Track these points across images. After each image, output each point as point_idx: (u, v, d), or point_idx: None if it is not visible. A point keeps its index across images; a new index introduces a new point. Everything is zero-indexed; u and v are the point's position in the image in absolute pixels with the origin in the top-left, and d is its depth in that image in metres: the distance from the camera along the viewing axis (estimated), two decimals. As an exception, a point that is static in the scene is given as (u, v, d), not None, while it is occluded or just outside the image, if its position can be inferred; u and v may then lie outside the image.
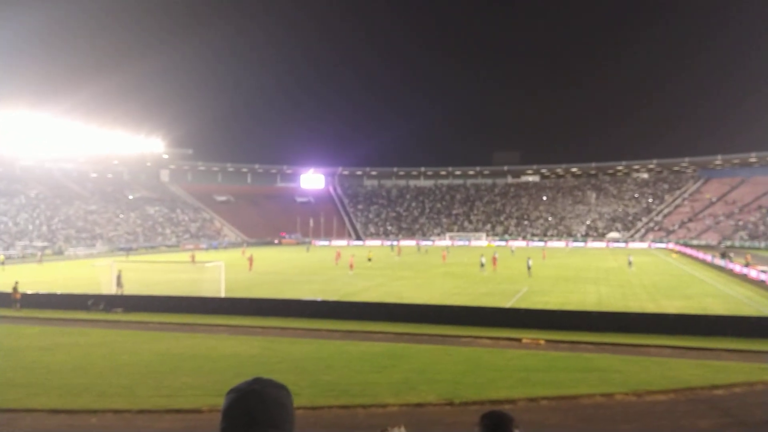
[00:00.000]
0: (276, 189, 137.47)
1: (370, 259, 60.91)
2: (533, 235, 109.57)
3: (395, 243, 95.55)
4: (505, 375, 18.06)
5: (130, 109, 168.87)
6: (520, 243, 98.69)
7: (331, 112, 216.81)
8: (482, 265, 51.42)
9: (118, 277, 34.64)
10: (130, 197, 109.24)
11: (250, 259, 54.11)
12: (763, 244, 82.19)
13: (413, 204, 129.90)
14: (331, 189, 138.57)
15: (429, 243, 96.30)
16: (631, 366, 19.05)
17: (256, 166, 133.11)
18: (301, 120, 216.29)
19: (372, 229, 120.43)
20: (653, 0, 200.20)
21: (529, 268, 47.53)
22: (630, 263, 55.04)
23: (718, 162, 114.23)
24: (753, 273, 43.93)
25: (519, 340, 23.11)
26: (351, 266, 50.51)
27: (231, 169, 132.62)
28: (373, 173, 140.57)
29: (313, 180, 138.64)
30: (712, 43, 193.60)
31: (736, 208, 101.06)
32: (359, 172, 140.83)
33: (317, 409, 14.39)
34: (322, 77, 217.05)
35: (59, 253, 73.83)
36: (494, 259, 53.12)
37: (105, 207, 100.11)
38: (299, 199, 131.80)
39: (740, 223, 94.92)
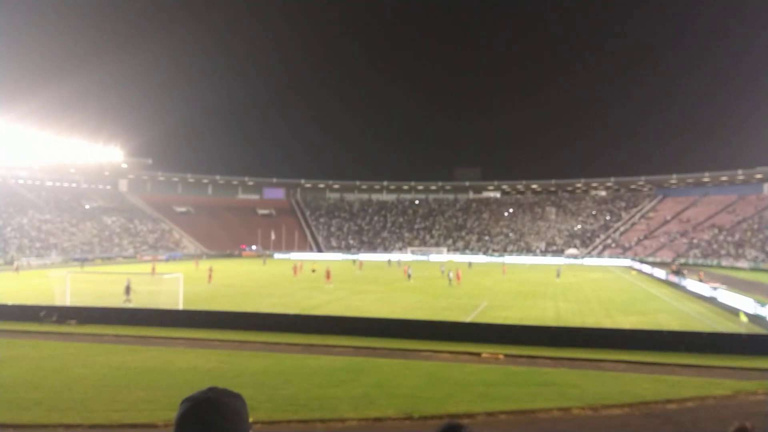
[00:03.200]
0: (237, 201, 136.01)
1: (314, 270, 63.02)
2: (494, 250, 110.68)
3: (357, 257, 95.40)
4: (465, 389, 18.16)
5: (88, 117, 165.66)
6: (480, 258, 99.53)
7: (294, 124, 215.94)
8: (450, 279, 52.25)
9: (127, 287, 34.78)
10: (87, 207, 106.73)
11: (210, 272, 53.38)
12: (715, 262, 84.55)
13: (375, 218, 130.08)
14: (293, 201, 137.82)
15: (400, 257, 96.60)
16: (587, 380, 19.36)
17: (217, 177, 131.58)
18: (263, 132, 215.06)
19: (334, 243, 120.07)
20: (608, 17, 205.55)
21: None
22: (558, 274, 59.34)
23: (673, 181, 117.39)
24: (705, 290, 45.10)
25: (478, 354, 23.27)
26: (328, 277, 50.58)
27: (191, 180, 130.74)
28: (336, 186, 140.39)
29: (275, 192, 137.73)
30: (664, 63, 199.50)
31: (690, 226, 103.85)
32: (322, 185, 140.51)
33: (275, 423, 14.26)
34: (284, 89, 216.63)
35: (10, 263, 71.66)
36: (458, 274, 53.68)
37: (60, 216, 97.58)
38: (261, 211, 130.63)
39: (694, 241, 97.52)
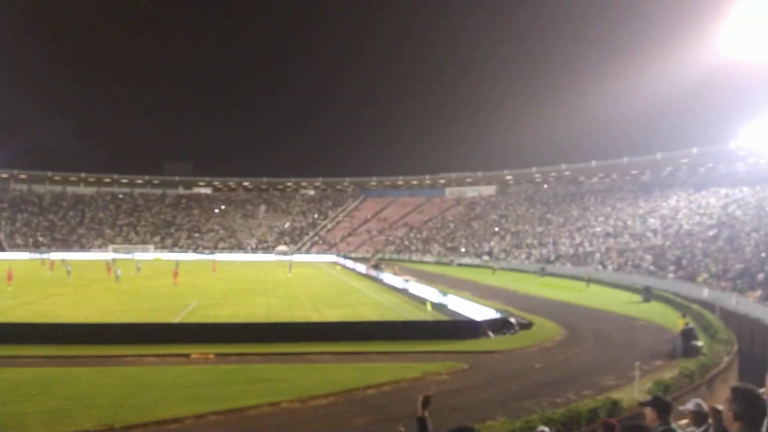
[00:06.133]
0: None
1: None
2: (204, 247, 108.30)
3: (48, 256, 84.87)
4: (172, 393, 17.42)
5: None
6: (190, 256, 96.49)
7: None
8: (117, 277, 51.44)
9: None
10: None
11: None
12: (407, 257, 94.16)
13: (71, 213, 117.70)
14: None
15: (145, 257, 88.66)
16: (296, 374, 20.00)
17: None
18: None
19: (19, 240, 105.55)
20: (313, 24, 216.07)
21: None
22: (290, 268, 65.28)
23: (373, 183, 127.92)
24: (399, 282, 49.92)
25: (188, 355, 22.52)
26: (9, 279, 44.21)
27: None
28: (23, 176, 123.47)
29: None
30: (361, 72, 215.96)
31: (387, 224, 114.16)
32: (5, 175, 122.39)
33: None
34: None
35: None
36: (175, 273, 51.41)
37: None
38: None
39: (390, 238, 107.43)
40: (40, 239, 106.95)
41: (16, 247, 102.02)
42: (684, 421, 6.22)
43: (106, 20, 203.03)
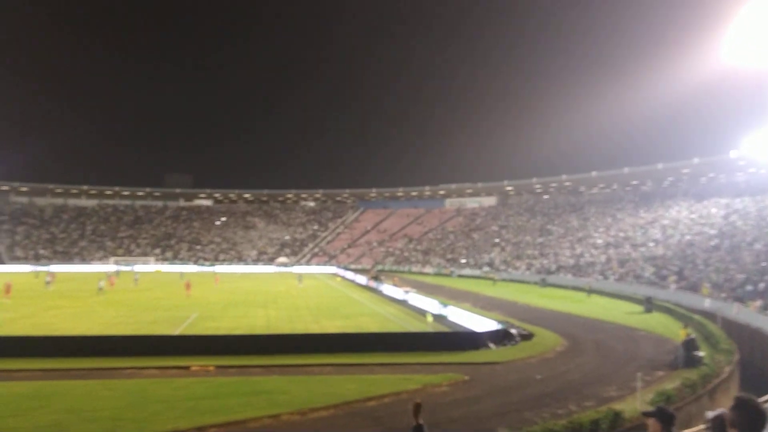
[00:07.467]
0: None
1: None
2: (205, 259, 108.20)
3: (48, 269, 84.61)
4: (172, 406, 17.32)
5: None
6: (191, 268, 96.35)
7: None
8: (100, 288, 51.61)
9: None
10: None
11: None
12: (406, 268, 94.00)
13: (72, 225, 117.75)
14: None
15: (145, 269, 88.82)
16: (296, 386, 19.90)
17: None
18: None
19: (19, 253, 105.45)
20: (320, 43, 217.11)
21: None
22: (300, 280, 66.43)
23: (373, 194, 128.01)
24: (399, 294, 49.80)
25: (188, 368, 22.42)
26: (8, 291, 44.66)
27: None
28: (23, 189, 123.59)
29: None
30: (366, 88, 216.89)
31: (387, 236, 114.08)
32: (5, 187, 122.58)
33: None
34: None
35: None
36: (188, 285, 51.74)
37: None
38: None
39: (390, 249, 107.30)
40: (41, 252, 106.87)
41: (16, 259, 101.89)
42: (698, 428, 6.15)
43: (109, 34, 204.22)
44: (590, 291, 53.20)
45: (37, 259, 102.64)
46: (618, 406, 15.99)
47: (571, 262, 70.13)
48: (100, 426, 15.21)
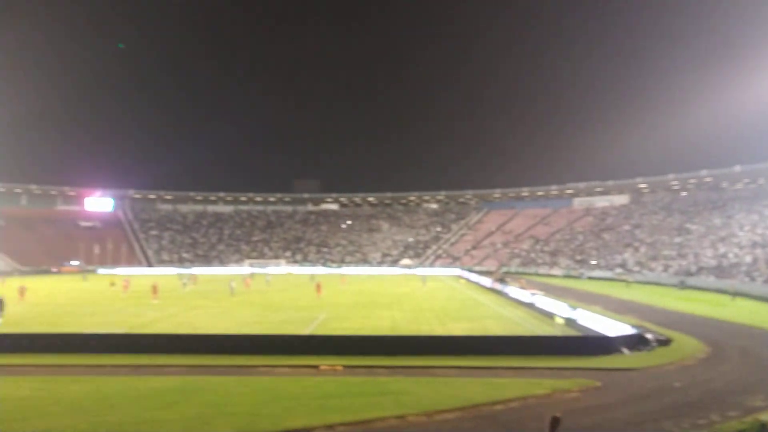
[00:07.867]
0: (56, 212, 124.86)
1: (113, 284, 61.91)
2: (332, 261, 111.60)
3: (188, 271, 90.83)
4: (303, 403, 17.93)
5: None
6: (319, 270, 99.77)
7: (120, 130, 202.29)
8: (232, 289, 54.34)
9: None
10: None
11: (22, 290, 48.26)
12: (533, 270, 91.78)
13: (211, 230, 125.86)
14: (120, 213, 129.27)
15: (277, 271, 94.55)
16: (422, 387, 19.94)
17: (33, 186, 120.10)
18: (86, 138, 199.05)
19: (165, 257, 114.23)
20: (450, 43, 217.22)
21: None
22: (424, 282, 67.56)
23: (496, 195, 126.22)
24: (525, 296, 48.64)
25: (317, 367, 23.14)
26: (154, 293, 48.68)
27: (2, 190, 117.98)
28: (168, 197, 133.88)
29: (99, 203, 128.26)
30: (487, 89, 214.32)
31: (512, 237, 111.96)
32: (152, 196, 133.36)
33: (97, 453, 13.11)
34: (110, 92, 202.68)
35: None
36: (318, 286, 54.14)
37: None
38: (83, 224, 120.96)
39: (515, 250, 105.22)
40: (184, 255, 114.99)
41: (162, 263, 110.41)
42: None
43: (241, 50, 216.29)
44: (735, 294, 49.31)
45: (180, 262, 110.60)
46: (765, 417, 14.66)
47: (713, 263, 65.35)
48: (239, 420, 16.03)
